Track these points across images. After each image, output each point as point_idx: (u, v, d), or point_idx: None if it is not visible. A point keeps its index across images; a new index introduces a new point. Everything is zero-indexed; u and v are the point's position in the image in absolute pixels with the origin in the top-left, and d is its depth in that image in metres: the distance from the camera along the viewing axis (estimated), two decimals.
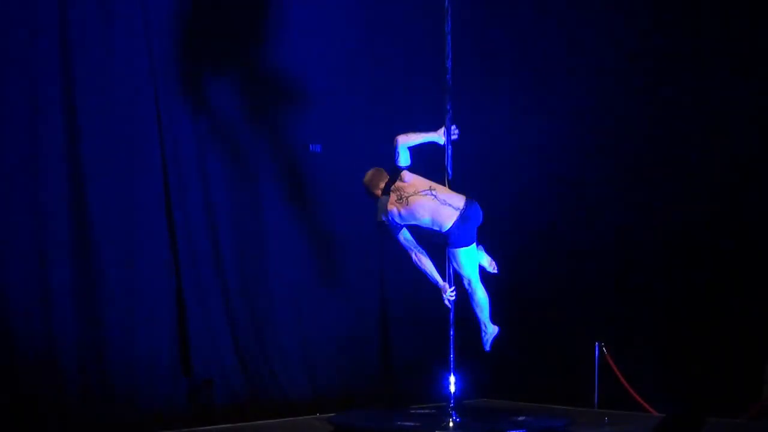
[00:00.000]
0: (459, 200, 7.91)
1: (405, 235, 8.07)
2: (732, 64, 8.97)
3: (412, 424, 7.97)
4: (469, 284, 8.10)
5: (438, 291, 8.15)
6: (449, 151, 8.20)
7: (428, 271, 8.12)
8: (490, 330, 8.25)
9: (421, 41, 9.85)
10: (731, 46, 8.97)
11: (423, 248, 8.12)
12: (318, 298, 9.54)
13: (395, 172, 8.08)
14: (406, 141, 8.09)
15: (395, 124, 9.83)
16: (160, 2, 8.81)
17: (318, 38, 9.58)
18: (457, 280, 8.15)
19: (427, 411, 8.63)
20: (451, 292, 8.10)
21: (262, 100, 9.32)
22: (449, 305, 8.14)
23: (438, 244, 8.07)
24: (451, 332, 8.19)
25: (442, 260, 8.15)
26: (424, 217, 7.90)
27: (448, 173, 8.19)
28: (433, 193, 7.93)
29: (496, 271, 8.20)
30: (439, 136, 8.20)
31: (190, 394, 8.80)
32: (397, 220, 7.99)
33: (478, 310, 8.18)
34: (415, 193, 7.95)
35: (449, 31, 8.23)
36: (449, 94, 8.20)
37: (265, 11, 9.31)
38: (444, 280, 8.13)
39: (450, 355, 8.21)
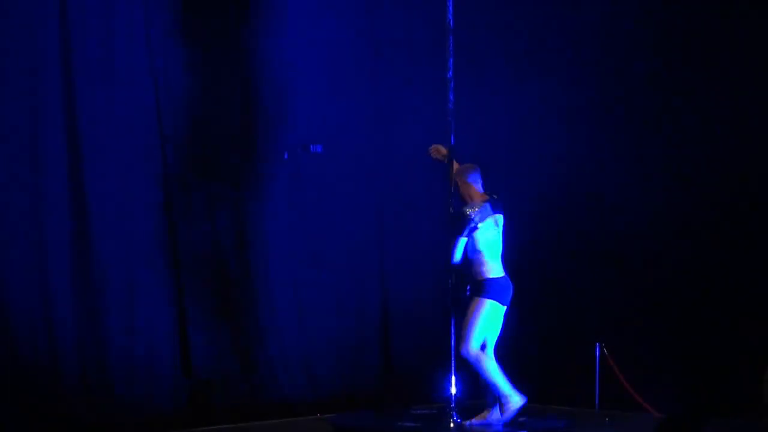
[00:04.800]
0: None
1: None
2: (742, 57, 8.93)
3: (412, 424, 7.97)
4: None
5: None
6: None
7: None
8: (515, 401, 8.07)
9: (421, 39, 9.86)
10: (740, 40, 8.93)
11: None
12: (318, 298, 9.53)
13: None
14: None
15: (395, 123, 9.89)
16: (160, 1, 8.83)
17: (319, 36, 9.58)
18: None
19: (427, 411, 8.62)
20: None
21: (263, 98, 9.31)
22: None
23: None
24: (452, 333, 8.19)
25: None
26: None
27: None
28: None
29: None
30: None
31: (190, 394, 8.79)
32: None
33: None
34: None
35: (451, 28, 8.24)
36: (451, 92, 8.22)
37: (265, 10, 9.31)
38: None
39: (450, 355, 8.21)
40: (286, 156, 9.22)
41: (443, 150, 8.25)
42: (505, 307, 8.12)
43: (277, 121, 9.37)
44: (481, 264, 8.02)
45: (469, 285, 8.08)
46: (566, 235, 9.78)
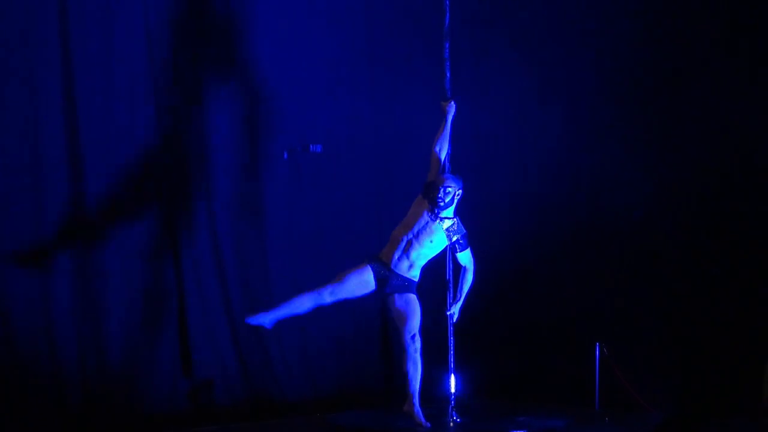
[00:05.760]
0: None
1: None
2: (746, 52, 8.90)
3: (412, 424, 7.96)
4: (413, 340, 7.76)
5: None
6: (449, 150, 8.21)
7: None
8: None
9: (420, 36, 9.85)
10: (744, 37, 8.90)
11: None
12: None
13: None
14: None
15: (395, 123, 9.89)
16: (160, 2, 8.82)
17: (318, 36, 9.58)
18: None
19: (427, 411, 8.61)
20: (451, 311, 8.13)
21: (263, 98, 9.31)
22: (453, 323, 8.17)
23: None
24: (451, 332, 8.19)
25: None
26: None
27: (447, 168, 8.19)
28: None
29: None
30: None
31: (190, 394, 8.80)
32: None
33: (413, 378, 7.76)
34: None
35: (447, 29, 8.26)
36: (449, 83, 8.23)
37: (264, 10, 9.32)
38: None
39: (450, 355, 8.21)
40: (285, 156, 9.21)
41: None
42: None
43: (277, 121, 9.37)
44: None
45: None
46: (565, 234, 9.77)
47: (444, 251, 8.03)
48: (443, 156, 8.00)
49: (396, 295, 7.77)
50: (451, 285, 8.23)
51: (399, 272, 7.75)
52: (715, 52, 8.96)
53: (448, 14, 8.28)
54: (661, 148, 9.27)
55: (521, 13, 10.04)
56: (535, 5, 9.95)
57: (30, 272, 8.18)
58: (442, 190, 7.75)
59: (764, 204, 8.78)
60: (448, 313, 8.12)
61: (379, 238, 9.80)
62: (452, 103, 8.03)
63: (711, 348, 8.83)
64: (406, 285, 7.76)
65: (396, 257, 7.76)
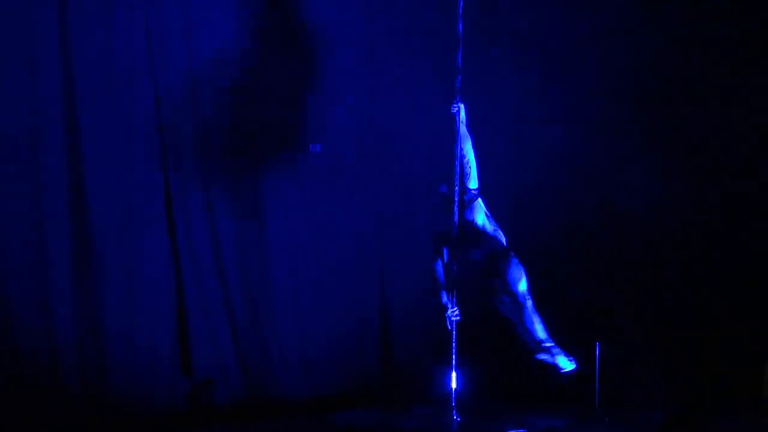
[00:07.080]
0: None
1: None
2: (754, 51, 8.91)
3: (412, 424, 7.97)
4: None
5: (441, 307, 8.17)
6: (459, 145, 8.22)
7: (442, 283, 8.08)
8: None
9: (420, 34, 9.85)
10: (750, 35, 8.91)
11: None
12: (318, 297, 9.54)
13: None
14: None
15: (396, 123, 9.89)
16: (159, 6, 8.82)
17: (319, 35, 9.59)
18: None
19: (427, 411, 8.63)
20: (454, 312, 8.10)
21: (262, 97, 9.31)
22: (451, 326, 8.13)
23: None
24: (452, 331, 8.19)
25: None
26: None
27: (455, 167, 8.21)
28: None
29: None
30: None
31: (190, 394, 8.81)
32: None
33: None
34: None
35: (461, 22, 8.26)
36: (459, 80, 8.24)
37: (265, 10, 9.33)
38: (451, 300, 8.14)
39: (451, 354, 8.20)
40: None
41: None
42: None
43: (277, 120, 9.38)
44: None
45: None
46: (565, 233, 9.77)
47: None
48: (465, 160, 8.12)
49: None
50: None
51: None
52: (724, 50, 8.97)
53: (461, 22, 8.23)
54: (663, 152, 9.28)
55: (526, 13, 10.04)
56: (540, 4, 9.95)
57: (29, 271, 8.18)
58: None
59: (764, 204, 8.79)
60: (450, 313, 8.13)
61: (378, 236, 9.83)
62: (454, 109, 8.09)
63: (711, 348, 8.84)
64: None
65: None
